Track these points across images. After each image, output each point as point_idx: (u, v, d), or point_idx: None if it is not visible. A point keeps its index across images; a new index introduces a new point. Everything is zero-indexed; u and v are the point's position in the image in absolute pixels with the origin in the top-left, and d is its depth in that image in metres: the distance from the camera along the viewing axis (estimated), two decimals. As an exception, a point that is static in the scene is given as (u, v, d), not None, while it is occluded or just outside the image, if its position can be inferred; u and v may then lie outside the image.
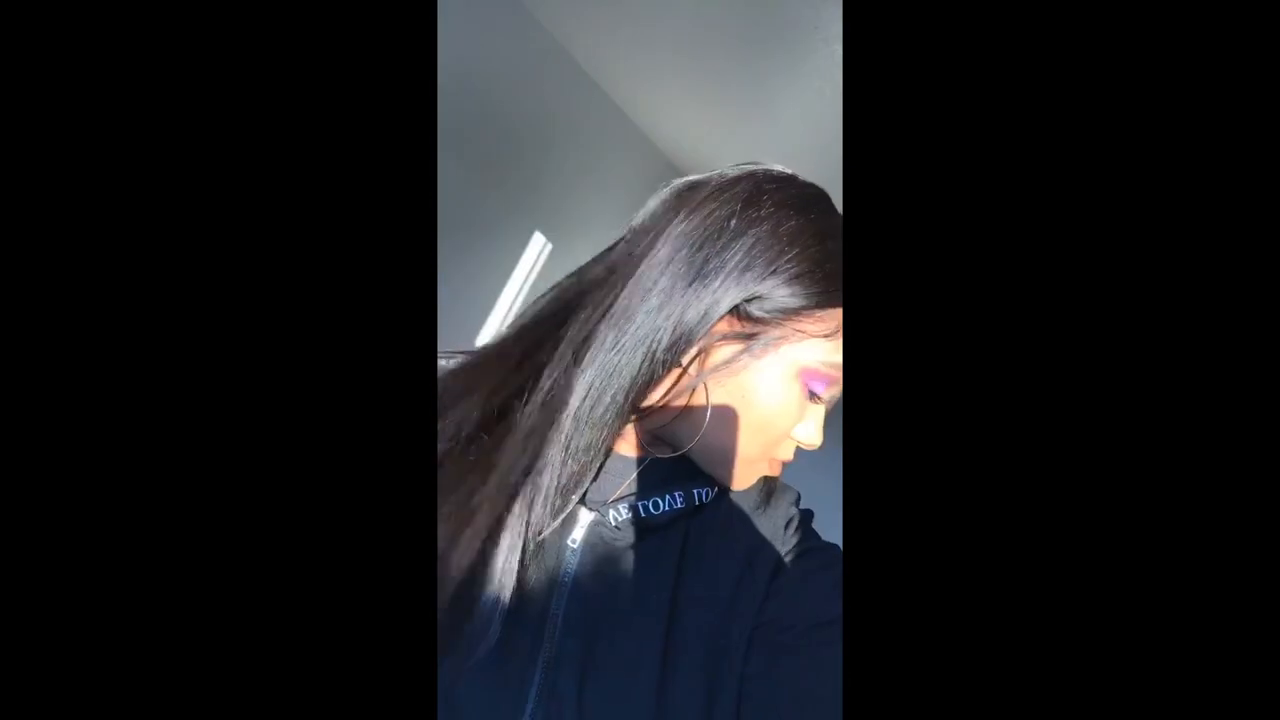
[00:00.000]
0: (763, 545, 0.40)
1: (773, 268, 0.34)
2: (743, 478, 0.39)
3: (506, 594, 0.33)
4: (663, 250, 0.35)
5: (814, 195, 0.38)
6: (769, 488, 0.43)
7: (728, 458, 0.38)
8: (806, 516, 0.44)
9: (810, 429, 0.38)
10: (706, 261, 0.34)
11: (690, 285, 0.34)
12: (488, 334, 2.04)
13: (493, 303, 2.08)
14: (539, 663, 0.34)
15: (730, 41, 1.50)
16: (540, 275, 2.15)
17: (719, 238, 0.35)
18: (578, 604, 0.36)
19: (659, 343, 0.34)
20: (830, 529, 0.43)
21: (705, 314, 0.34)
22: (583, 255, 0.43)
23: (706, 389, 0.36)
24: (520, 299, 2.10)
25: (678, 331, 0.34)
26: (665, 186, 0.40)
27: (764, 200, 0.36)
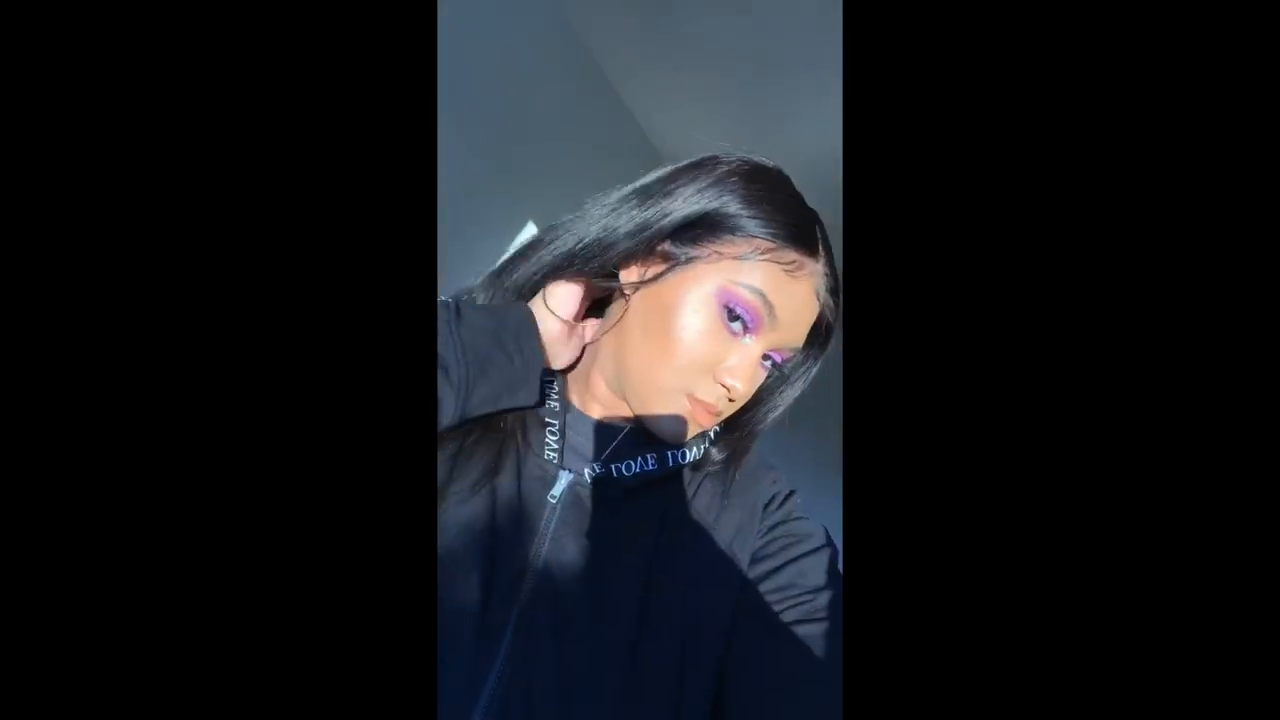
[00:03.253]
0: (742, 526, 0.41)
1: (705, 201, 0.39)
2: (666, 418, 0.39)
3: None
4: (615, 194, 0.42)
5: (769, 166, 0.42)
6: (746, 467, 0.44)
7: (646, 383, 0.39)
8: (789, 496, 0.44)
9: (732, 365, 0.38)
10: (649, 195, 0.40)
11: (635, 208, 0.40)
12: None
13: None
14: (515, 606, 0.35)
15: (741, 50, 1.49)
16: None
17: (667, 182, 0.40)
18: (554, 557, 0.37)
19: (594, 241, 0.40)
20: (831, 518, 0.43)
21: (641, 226, 0.39)
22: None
23: (627, 299, 0.40)
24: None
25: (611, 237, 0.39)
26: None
27: (718, 163, 0.41)
